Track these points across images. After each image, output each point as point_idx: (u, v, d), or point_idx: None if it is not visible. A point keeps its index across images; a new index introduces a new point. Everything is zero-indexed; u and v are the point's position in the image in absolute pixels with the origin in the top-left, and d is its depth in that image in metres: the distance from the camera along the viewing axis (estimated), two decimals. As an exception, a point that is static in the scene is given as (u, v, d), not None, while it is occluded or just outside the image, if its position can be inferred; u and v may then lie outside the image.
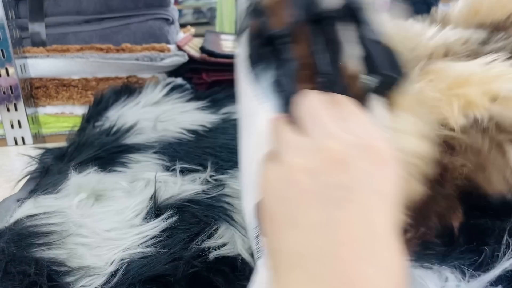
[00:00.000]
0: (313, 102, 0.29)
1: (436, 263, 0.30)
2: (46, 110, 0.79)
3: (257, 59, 0.33)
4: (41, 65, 0.77)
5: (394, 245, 0.24)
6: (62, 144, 0.63)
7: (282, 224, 0.26)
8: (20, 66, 0.75)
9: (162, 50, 0.80)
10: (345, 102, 0.29)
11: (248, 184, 0.37)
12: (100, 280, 0.35)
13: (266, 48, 0.32)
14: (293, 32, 0.31)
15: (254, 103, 0.36)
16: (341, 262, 0.23)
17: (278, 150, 0.28)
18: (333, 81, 0.30)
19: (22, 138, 0.77)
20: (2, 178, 0.63)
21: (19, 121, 0.76)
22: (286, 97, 0.30)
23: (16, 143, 0.77)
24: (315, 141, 0.27)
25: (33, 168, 0.57)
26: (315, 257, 0.24)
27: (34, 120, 0.78)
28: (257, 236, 0.32)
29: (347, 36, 0.30)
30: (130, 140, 0.59)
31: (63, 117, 0.80)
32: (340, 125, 0.28)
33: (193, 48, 0.90)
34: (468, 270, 0.30)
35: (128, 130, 0.61)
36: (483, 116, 0.30)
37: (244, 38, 0.33)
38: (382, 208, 0.25)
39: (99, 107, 0.69)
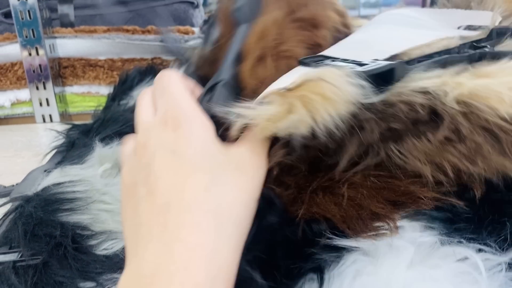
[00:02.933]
0: (146, 92, 0.34)
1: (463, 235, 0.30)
2: (73, 90, 0.81)
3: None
4: (69, 45, 0.79)
5: (196, 208, 0.25)
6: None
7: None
8: (49, 46, 0.78)
9: (186, 33, 0.81)
10: (164, 76, 0.32)
11: None
12: (121, 243, 0.37)
13: None
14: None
15: None
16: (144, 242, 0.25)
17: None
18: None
19: (50, 116, 0.80)
20: (30, 152, 0.66)
21: (47, 99, 0.79)
22: None
23: (44, 120, 0.80)
24: (135, 139, 0.31)
25: (59, 142, 0.59)
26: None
27: (61, 99, 0.81)
28: None
29: None
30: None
31: (89, 97, 0.82)
32: (152, 107, 0.32)
33: (217, 32, 0.91)
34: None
35: (152, 108, 0.63)
36: None
37: None
38: (178, 165, 0.27)
39: (124, 86, 0.70)
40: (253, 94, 0.33)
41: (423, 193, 0.31)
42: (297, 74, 0.31)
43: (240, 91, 0.35)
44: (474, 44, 0.41)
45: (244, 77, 0.35)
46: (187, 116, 0.29)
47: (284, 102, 0.28)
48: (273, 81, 0.33)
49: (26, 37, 0.76)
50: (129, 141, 0.32)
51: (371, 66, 0.31)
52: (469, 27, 0.45)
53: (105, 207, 0.40)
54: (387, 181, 0.31)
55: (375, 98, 0.29)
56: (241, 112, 0.29)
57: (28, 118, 0.80)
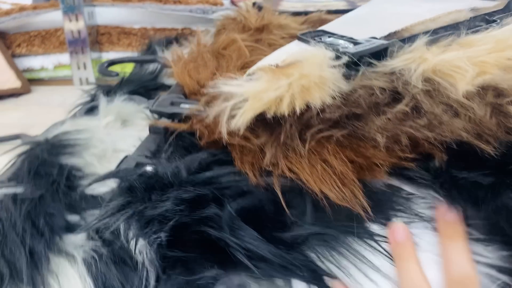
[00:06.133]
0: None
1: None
2: (109, 56, 0.87)
3: None
4: (107, 13, 0.84)
5: None
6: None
7: None
8: (88, 13, 0.83)
9: (215, 4, 0.83)
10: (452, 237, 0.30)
11: None
12: (105, 188, 0.40)
13: None
14: None
15: None
16: None
17: None
18: None
19: (86, 79, 0.85)
20: (63, 110, 0.71)
21: (84, 64, 0.85)
22: None
23: (81, 83, 0.86)
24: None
25: (84, 100, 0.64)
26: None
27: (97, 64, 0.86)
28: None
29: None
30: (169, 81, 0.64)
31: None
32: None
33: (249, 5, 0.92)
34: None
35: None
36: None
37: None
38: None
39: (150, 51, 0.74)
40: None
41: (379, 158, 0.31)
42: (291, 50, 0.32)
43: None
44: (487, 17, 0.39)
45: None
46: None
47: (272, 79, 0.30)
48: None
49: (68, 4, 0.81)
50: None
51: (365, 45, 0.32)
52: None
53: (95, 151, 0.44)
54: (351, 140, 0.32)
55: (347, 86, 0.30)
56: (230, 90, 0.30)
57: (67, 81, 0.87)
